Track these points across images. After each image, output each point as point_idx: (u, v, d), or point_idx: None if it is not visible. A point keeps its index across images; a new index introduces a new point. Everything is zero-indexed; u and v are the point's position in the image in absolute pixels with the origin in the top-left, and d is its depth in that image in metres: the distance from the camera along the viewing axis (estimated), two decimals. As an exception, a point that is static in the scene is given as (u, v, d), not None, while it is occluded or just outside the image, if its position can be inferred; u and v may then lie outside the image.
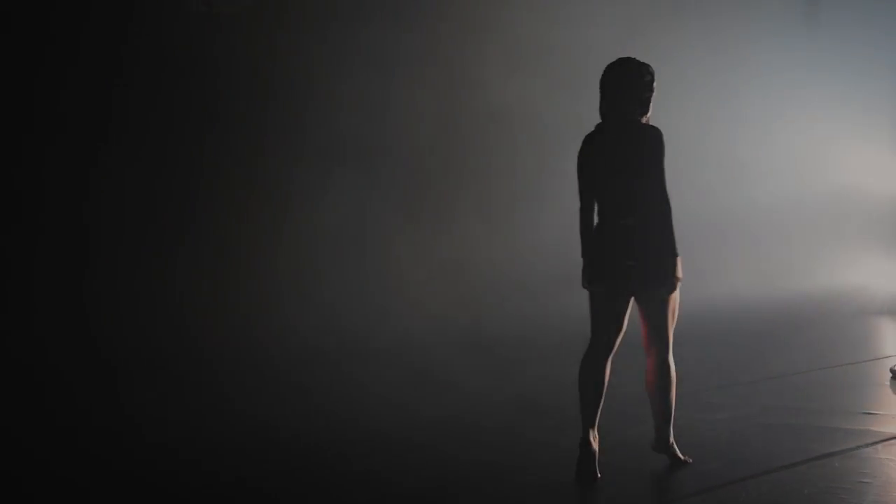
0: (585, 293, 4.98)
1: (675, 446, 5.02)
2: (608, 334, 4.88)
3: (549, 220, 13.30)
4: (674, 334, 4.96)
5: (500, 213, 13.28)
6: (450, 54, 12.34)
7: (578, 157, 4.93)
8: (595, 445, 4.80)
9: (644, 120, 4.87)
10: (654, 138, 4.76)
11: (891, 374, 7.64)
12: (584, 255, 4.91)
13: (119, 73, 9.87)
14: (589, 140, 4.92)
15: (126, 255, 9.91)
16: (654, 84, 4.89)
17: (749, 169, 16.23)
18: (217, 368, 8.85)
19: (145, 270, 9.96)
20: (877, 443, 5.37)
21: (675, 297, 4.88)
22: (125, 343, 9.18)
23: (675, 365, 5.00)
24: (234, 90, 10.74)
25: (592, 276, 4.86)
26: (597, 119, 4.93)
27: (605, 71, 4.89)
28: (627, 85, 4.82)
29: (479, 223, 13.01)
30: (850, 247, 15.61)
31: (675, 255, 4.75)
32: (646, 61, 4.91)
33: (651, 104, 4.89)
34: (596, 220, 4.90)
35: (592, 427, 4.82)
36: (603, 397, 4.87)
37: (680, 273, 4.78)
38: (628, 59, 4.90)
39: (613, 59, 4.91)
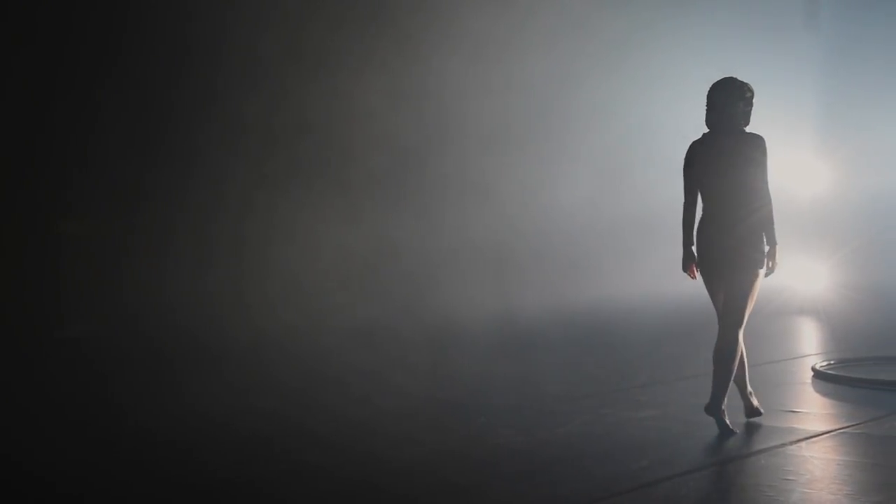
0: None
1: (724, 414, 5.60)
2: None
3: (486, 216, 13.35)
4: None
5: (434, 210, 13.30)
6: (405, 57, 12.33)
7: (686, 160, 5.66)
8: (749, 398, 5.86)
9: (745, 129, 5.61)
10: (758, 144, 5.51)
11: (812, 373, 7.78)
12: (684, 244, 5.65)
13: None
14: (696, 146, 5.66)
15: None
16: (754, 99, 5.62)
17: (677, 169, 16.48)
18: (144, 363, 8.70)
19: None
20: (800, 440, 5.46)
21: (758, 282, 5.55)
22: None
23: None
24: (176, 88, 10.61)
25: (691, 261, 5.62)
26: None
27: (711, 87, 5.61)
28: (732, 100, 5.55)
29: (412, 221, 13.00)
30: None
31: (773, 243, 5.50)
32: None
33: (750, 116, 5.63)
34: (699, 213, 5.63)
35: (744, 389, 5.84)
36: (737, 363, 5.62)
37: (778, 259, 5.52)
38: (732, 78, 5.63)
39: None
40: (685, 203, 5.64)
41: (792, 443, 5.40)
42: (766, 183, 5.50)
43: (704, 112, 5.66)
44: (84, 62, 9.98)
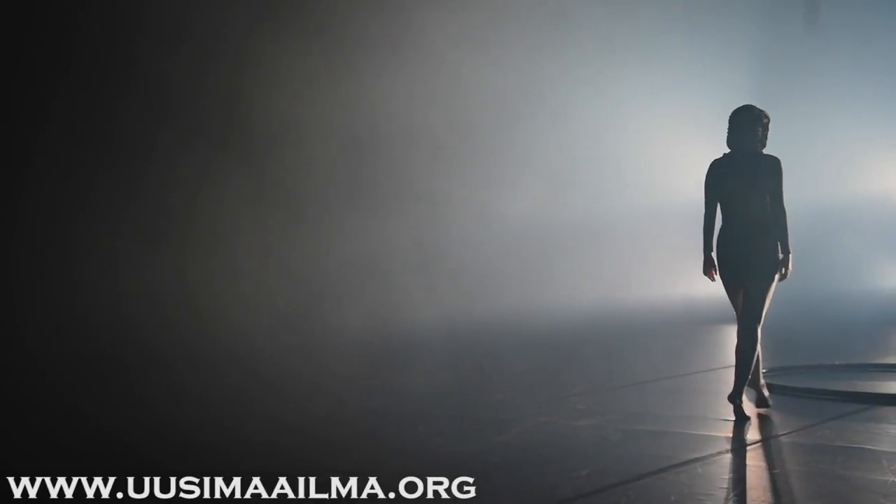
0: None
1: (743, 402, 6.22)
2: (739, 311, 6.25)
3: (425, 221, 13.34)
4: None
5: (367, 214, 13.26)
6: (348, 68, 12.33)
7: (707, 176, 6.34)
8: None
9: (761, 150, 6.27)
10: (775, 165, 6.18)
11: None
12: (705, 251, 6.27)
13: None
14: (717, 164, 6.35)
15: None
16: (770, 124, 6.30)
17: (620, 178, 16.71)
18: (83, 371, 8.54)
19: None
20: (735, 449, 5.52)
21: (773, 286, 6.15)
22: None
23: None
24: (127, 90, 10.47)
25: (710, 266, 6.24)
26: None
27: (733, 113, 6.31)
28: (751, 125, 6.24)
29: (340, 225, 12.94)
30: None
31: (787, 252, 6.10)
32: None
33: (767, 139, 6.30)
34: (720, 223, 6.27)
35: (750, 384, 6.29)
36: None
37: (790, 266, 6.13)
38: (751, 105, 6.34)
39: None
40: (706, 214, 6.29)
41: (727, 451, 5.46)
42: (781, 198, 6.12)
43: (726, 134, 6.30)
44: (39, 62, 9.80)
